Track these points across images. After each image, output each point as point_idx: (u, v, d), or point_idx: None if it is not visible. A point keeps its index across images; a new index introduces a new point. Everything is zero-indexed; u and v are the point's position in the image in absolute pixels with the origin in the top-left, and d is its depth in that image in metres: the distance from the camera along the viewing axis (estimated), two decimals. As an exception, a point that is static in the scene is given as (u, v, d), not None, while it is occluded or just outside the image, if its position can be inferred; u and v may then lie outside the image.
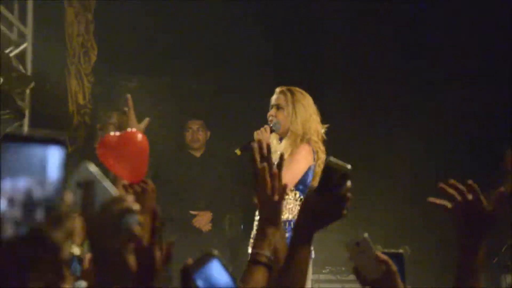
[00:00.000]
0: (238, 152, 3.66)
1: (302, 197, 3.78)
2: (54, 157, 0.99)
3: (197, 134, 4.82)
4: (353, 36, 5.64)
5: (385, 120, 5.68)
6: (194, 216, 4.65)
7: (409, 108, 5.58)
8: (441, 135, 5.50)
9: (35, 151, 0.99)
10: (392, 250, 1.89)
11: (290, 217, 3.72)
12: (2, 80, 4.56)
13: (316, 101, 3.79)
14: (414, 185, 5.33)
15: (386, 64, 5.67)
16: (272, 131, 3.66)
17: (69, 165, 0.99)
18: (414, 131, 5.28)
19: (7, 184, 0.93)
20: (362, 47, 5.58)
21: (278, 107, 3.74)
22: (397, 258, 1.89)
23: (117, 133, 2.96)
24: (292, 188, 3.68)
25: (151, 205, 2.45)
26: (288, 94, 3.73)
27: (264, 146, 1.89)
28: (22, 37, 4.83)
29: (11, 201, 0.93)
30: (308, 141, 3.69)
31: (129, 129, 3.02)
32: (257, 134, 3.65)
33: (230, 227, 5.04)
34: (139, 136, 2.93)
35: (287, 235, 3.33)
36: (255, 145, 1.91)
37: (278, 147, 3.82)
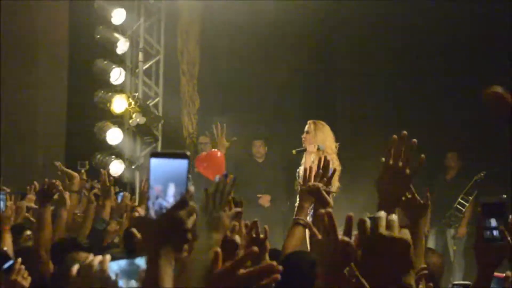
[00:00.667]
0: (294, 152, 5.63)
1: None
2: (184, 166, 1.51)
3: (259, 148, 7.83)
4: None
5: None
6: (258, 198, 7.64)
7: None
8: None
9: (173, 162, 1.51)
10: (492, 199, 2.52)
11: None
12: (145, 119, 7.92)
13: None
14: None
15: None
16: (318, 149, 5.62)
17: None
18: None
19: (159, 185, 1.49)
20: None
21: (307, 133, 6.25)
22: (498, 206, 2.40)
23: (205, 152, 6.10)
24: None
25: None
26: (312, 125, 6.32)
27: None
28: (156, 94, 8.34)
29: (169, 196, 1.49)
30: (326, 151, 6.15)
31: (213, 150, 6.10)
32: (304, 143, 5.61)
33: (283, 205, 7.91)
34: (218, 153, 6.05)
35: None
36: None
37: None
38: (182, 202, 1.51)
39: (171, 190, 1.51)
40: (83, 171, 6.83)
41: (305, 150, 5.62)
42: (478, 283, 2.41)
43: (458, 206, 7.16)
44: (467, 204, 7.15)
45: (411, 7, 7.89)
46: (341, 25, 8.44)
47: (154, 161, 1.54)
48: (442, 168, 7.56)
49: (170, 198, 1.51)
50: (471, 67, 7.86)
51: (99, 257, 1.93)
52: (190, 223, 1.53)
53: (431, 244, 6.99)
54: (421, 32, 8.13)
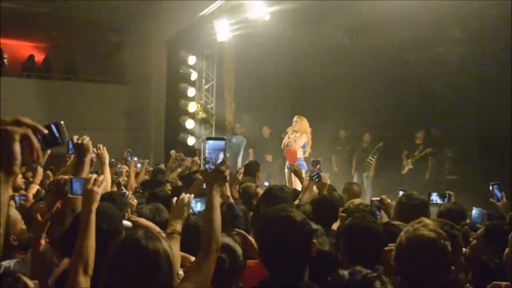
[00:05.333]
0: (283, 136, 10.19)
1: (304, 150, 10.91)
2: (222, 144, 2.64)
3: (266, 131, 12.63)
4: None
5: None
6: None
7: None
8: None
9: (217, 142, 2.65)
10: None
11: (301, 157, 11.08)
12: (206, 115, 13.46)
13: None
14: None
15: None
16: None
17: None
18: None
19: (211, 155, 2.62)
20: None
21: (296, 122, 10.65)
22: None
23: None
24: (301, 149, 11.34)
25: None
26: (298, 118, 10.54)
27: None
28: (212, 101, 13.40)
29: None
30: (305, 133, 11.07)
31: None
32: (294, 127, 10.16)
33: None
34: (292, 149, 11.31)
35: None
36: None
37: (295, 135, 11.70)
38: (222, 163, 2.62)
39: (218, 157, 2.61)
40: (173, 152, 10.38)
41: (286, 133, 10.03)
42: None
43: (368, 161, 12.35)
44: (373, 159, 12.31)
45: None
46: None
47: (208, 142, 2.65)
48: (360, 141, 12.65)
49: (218, 160, 2.61)
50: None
51: (189, 195, 3.26)
52: (226, 173, 2.63)
53: (355, 179, 12.13)
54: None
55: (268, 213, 2.53)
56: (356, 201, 4.44)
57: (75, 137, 3.38)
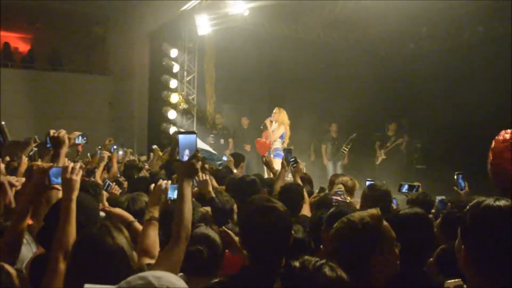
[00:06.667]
0: (262, 127, 10.92)
1: (282, 140, 11.13)
2: (194, 137, 2.64)
3: (245, 121, 13.01)
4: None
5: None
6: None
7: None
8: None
9: (189, 136, 2.67)
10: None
11: (279, 147, 11.33)
12: (187, 106, 13.73)
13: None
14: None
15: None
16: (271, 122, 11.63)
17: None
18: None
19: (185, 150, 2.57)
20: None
21: (275, 113, 11.33)
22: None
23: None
24: (278, 139, 11.56)
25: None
26: (277, 109, 11.02)
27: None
28: (193, 93, 13.65)
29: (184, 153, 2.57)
30: (283, 124, 11.47)
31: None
32: (273, 117, 10.69)
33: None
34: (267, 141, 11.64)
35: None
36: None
37: (273, 125, 12.04)
38: (194, 156, 2.63)
39: (189, 150, 2.61)
40: (155, 147, 9.75)
41: (264, 124, 10.50)
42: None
43: (342, 151, 12.85)
44: (346, 149, 12.81)
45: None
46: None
47: (180, 136, 2.69)
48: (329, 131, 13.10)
49: (188, 154, 2.61)
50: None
51: (166, 181, 3.31)
52: (198, 166, 2.64)
53: (329, 168, 12.68)
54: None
55: (253, 203, 2.57)
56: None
57: (52, 131, 3.44)
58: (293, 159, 5.80)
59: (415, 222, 2.82)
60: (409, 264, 2.51)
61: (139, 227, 3.27)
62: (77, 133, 3.73)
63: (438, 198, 4.95)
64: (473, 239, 1.74)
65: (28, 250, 2.96)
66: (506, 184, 2.87)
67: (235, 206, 4.34)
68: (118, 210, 3.51)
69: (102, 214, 3.37)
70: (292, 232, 2.58)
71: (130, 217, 3.43)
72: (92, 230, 2.27)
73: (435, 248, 3.10)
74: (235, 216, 4.21)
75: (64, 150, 3.35)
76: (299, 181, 5.50)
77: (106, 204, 3.88)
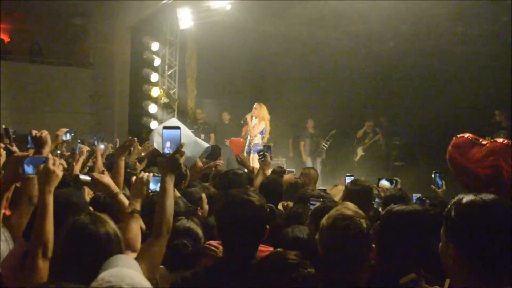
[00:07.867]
0: (242, 121, 10.83)
1: (262, 136, 11.37)
2: (178, 132, 2.78)
3: (225, 116, 13.29)
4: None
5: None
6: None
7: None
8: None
9: (173, 131, 2.80)
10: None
11: (259, 143, 11.59)
12: (168, 100, 13.70)
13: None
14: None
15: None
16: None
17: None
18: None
19: (167, 144, 2.76)
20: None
21: (255, 109, 11.56)
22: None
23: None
24: (258, 134, 11.70)
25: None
26: (257, 105, 11.47)
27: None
28: (174, 87, 13.53)
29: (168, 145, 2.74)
30: (263, 120, 11.57)
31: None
32: (253, 113, 10.77)
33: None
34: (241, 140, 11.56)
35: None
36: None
37: (254, 121, 12.06)
38: (177, 150, 2.67)
39: (172, 144, 2.68)
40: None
41: (245, 119, 10.41)
42: None
43: (322, 146, 12.93)
44: (326, 145, 12.89)
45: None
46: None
47: (165, 131, 2.75)
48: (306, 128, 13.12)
49: (172, 148, 2.68)
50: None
51: (148, 174, 3.20)
52: (181, 161, 2.70)
53: (309, 164, 12.62)
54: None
55: (230, 195, 2.58)
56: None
57: (34, 132, 3.41)
58: (261, 153, 5.85)
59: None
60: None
61: (124, 199, 3.25)
62: (65, 129, 3.68)
63: (415, 196, 4.96)
64: (462, 235, 1.74)
65: (5, 247, 2.87)
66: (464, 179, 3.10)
67: (203, 195, 4.43)
68: (106, 180, 3.38)
69: (86, 178, 3.32)
70: (267, 226, 2.57)
71: (116, 188, 3.37)
72: (82, 219, 2.22)
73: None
74: (204, 205, 4.37)
75: (46, 150, 3.31)
76: (268, 174, 5.57)
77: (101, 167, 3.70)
